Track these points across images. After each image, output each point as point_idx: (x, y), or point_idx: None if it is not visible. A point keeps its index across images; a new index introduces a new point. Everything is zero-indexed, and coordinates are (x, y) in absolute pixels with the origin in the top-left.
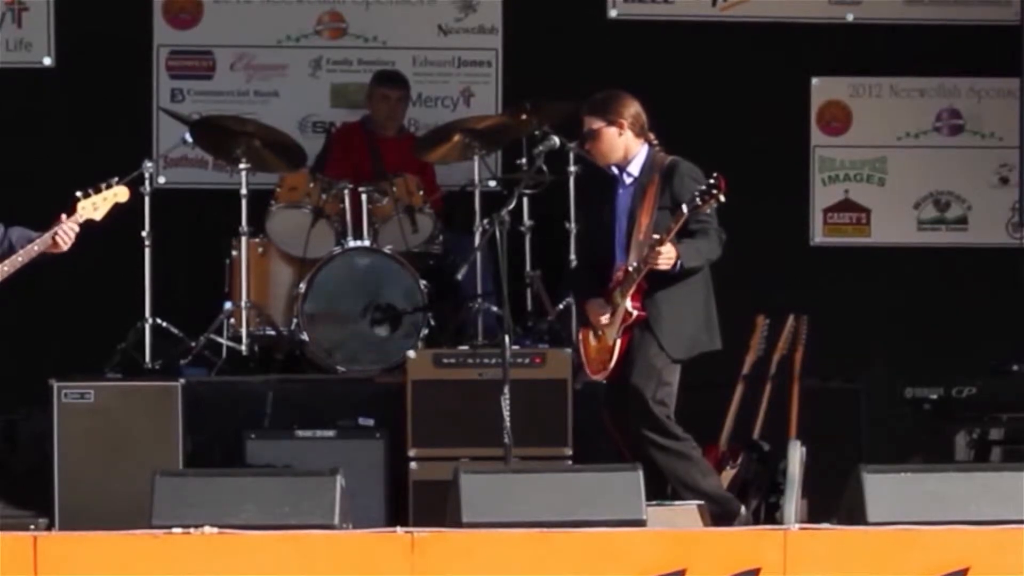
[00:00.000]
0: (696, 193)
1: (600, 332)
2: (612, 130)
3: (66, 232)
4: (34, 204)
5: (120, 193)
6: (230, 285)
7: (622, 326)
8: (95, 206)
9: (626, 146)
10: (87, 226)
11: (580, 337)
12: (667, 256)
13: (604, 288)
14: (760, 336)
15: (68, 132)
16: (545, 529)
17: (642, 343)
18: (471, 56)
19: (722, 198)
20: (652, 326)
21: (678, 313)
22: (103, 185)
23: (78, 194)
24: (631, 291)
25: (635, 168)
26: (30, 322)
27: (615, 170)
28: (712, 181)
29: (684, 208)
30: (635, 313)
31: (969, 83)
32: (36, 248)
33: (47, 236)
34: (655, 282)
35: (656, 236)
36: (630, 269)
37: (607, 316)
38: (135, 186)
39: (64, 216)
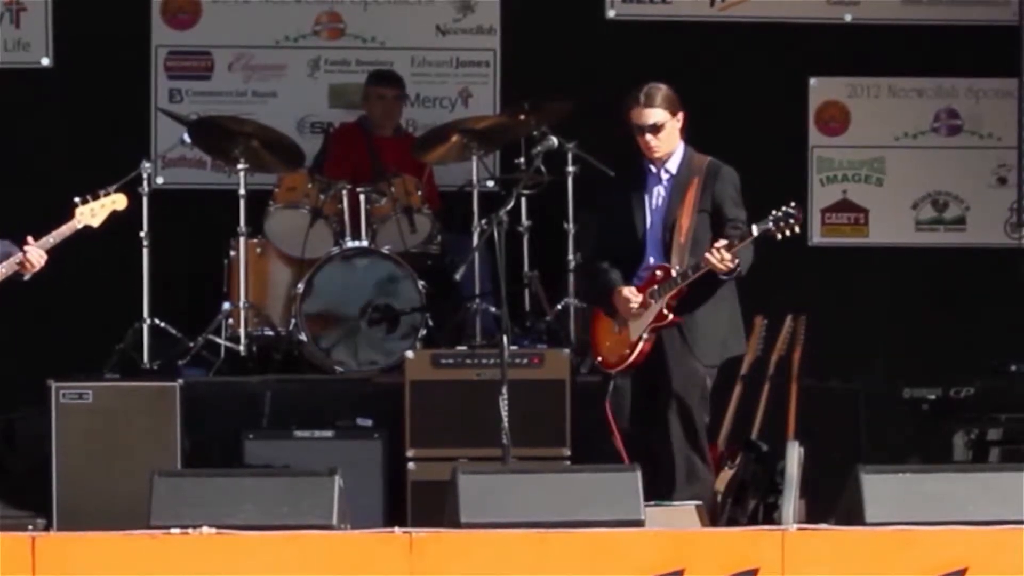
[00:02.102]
0: (772, 220)
1: (625, 324)
2: (674, 122)
3: (31, 260)
4: (32, 204)
5: (118, 201)
6: (228, 285)
7: (652, 325)
8: (93, 212)
9: (676, 141)
10: (84, 231)
11: (595, 323)
12: (733, 262)
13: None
14: (758, 336)
15: (66, 132)
16: (543, 529)
17: (680, 351)
18: (469, 56)
19: (797, 230)
20: (686, 333)
21: (711, 320)
22: (101, 192)
23: (76, 200)
24: (671, 294)
25: (673, 165)
26: (28, 322)
27: (651, 167)
28: (791, 211)
29: (755, 229)
30: (671, 317)
31: (967, 83)
32: (3, 271)
33: (12, 262)
34: (694, 289)
35: (725, 241)
36: (674, 273)
37: (639, 309)
38: (133, 188)
39: (30, 238)
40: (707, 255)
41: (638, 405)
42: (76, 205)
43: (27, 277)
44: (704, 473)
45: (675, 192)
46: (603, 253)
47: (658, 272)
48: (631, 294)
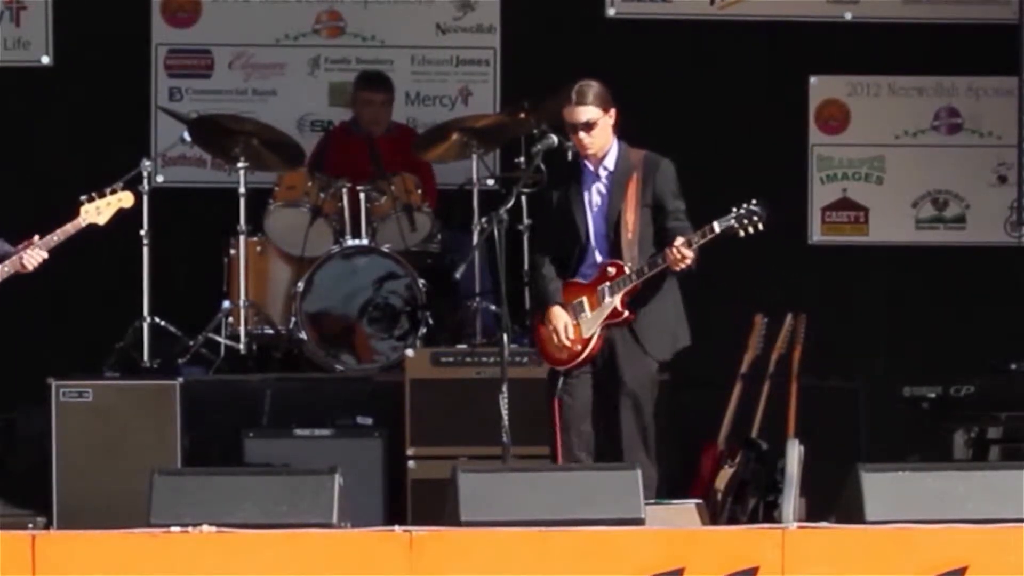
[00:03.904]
0: (735, 217)
1: (575, 322)
2: (607, 119)
3: (33, 257)
4: (32, 203)
5: (125, 199)
6: (228, 284)
7: (606, 322)
8: (99, 211)
9: (610, 137)
10: (88, 229)
11: (540, 325)
12: (690, 260)
13: (567, 281)
14: (758, 335)
15: (66, 131)
16: (543, 528)
17: (632, 349)
18: (469, 55)
19: (761, 227)
20: (636, 330)
21: (659, 314)
22: (108, 190)
23: (82, 198)
24: (626, 291)
25: (610, 162)
26: (28, 321)
27: (588, 164)
28: (755, 208)
29: (716, 226)
30: (626, 314)
31: (967, 82)
32: (7, 269)
33: (15, 259)
34: (644, 284)
35: (683, 239)
36: (627, 269)
37: (569, 340)
38: (133, 186)
39: (36, 237)
40: (668, 251)
41: (594, 403)
42: (81, 203)
43: (32, 269)
44: (649, 470)
45: (615, 188)
46: (547, 253)
47: (610, 269)
48: (566, 334)
